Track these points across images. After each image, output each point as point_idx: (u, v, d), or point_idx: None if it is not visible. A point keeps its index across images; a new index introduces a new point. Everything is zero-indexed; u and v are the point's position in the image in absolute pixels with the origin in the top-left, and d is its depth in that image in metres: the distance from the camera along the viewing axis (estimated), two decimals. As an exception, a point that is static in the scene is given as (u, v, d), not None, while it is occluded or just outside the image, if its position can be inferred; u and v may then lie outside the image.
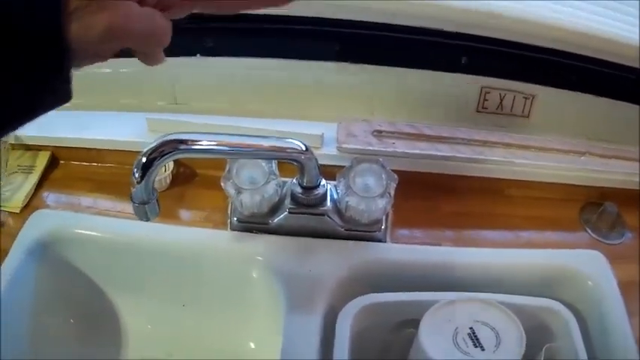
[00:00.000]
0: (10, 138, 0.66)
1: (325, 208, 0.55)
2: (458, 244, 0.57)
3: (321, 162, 0.52)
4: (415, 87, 0.64)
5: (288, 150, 0.49)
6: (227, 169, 0.54)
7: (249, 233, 0.57)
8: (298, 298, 0.51)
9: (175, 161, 0.64)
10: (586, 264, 0.54)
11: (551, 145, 0.63)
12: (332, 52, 0.64)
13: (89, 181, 0.65)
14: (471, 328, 0.47)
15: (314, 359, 0.48)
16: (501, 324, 0.47)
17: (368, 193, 0.53)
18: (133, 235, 0.58)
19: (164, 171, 0.63)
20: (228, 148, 0.48)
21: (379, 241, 0.56)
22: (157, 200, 0.48)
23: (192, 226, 0.59)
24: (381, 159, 0.55)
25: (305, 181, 0.53)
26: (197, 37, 0.65)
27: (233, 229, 0.57)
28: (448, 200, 0.62)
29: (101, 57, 0.33)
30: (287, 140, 0.49)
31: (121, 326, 0.63)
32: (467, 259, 0.55)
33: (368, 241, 0.56)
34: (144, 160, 0.45)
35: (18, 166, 0.66)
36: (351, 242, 0.55)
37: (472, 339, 0.46)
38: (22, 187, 0.63)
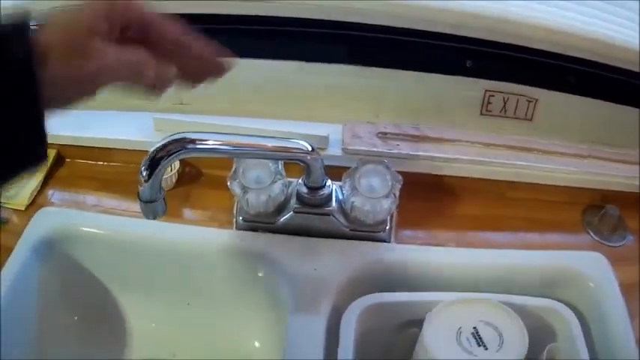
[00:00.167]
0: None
1: (330, 208, 0.55)
2: (461, 245, 0.58)
3: (326, 163, 0.53)
4: (420, 90, 0.65)
5: (295, 150, 0.49)
6: (233, 168, 0.55)
7: (254, 232, 0.57)
8: (303, 298, 0.52)
9: (181, 161, 0.65)
10: (588, 266, 0.54)
11: (553, 148, 0.63)
12: (338, 55, 0.64)
13: (94, 180, 0.66)
14: (474, 327, 0.47)
15: (319, 359, 0.48)
16: (504, 324, 0.47)
17: (373, 194, 0.53)
18: (139, 233, 0.58)
19: (170, 170, 0.63)
20: (235, 148, 0.48)
21: (384, 241, 0.56)
22: (163, 199, 0.49)
23: (197, 225, 0.60)
24: (385, 160, 0.55)
25: (311, 181, 0.54)
26: (204, 38, 0.66)
27: (238, 228, 0.58)
28: (452, 202, 0.62)
29: (89, 96, 0.35)
30: (293, 141, 0.49)
31: (125, 324, 0.63)
32: (470, 260, 0.56)
33: (372, 241, 0.56)
34: (151, 159, 0.45)
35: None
36: (355, 242, 0.56)
37: (476, 338, 0.47)
38: (27, 185, 0.63)
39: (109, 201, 0.63)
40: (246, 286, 0.59)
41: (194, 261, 0.59)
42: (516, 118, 0.65)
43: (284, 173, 0.55)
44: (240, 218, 0.57)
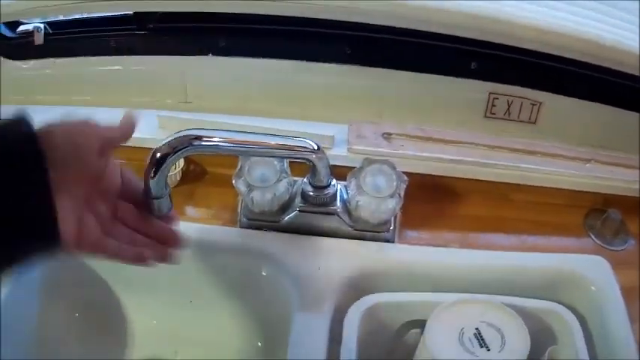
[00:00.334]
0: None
1: (335, 207, 0.56)
2: (464, 246, 0.58)
3: (331, 162, 0.53)
4: (424, 91, 0.65)
5: (300, 149, 0.50)
6: (239, 166, 0.55)
7: (258, 231, 0.57)
8: (307, 297, 0.52)
9: (185, 158, 0.65)
10: (589, 269, 0.55)
11: (557, 151, 0.64)
12: (343, 55, 0.65)
13: (98, 177, 0.66)
14: (476, 328, 0.47)
15: (321, 358, 0.48)
16: (506, 325, 0.48)
17: (378, 194, 0.53)
18: (142, 230, 0.58)
19: (174, 168, 0.64)
20: (241, 146, 0.48)
21: (387, 241, 0.57)
22: (169, 196, 0.49)
23: (201, 223, 0.60)
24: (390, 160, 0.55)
25: (316, 180, 0.54)
26: (210, 36, 0.66)
27: (243, 226, 0.58)
28: (455, 203, 0.62)
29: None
30: (299, 139, 0.50)
31: (127, 322, 0.63)
32: (473, 261, 0.56)
33: (376, 241, 0.56)
34: (157, 155, 0.45)
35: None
36: (359, 242, 0.56)
37: (478, 339, 0.47)
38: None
39: (113, 197, 0.63)
40: (250, 285, 0.59)
41: (197, 259, 0.59)
42: (520, 121, 0.65)
43: (289, 172, 0.56)
44: (245, 217, 0.57)
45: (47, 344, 0.58)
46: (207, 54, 0.67)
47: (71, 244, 0.38)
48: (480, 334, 0.47)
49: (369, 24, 0.60)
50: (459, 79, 0.64)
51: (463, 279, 0.55)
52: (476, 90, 0.64)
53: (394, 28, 0.61)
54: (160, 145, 0.45)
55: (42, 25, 0.69)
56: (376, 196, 0.53)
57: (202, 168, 0.66)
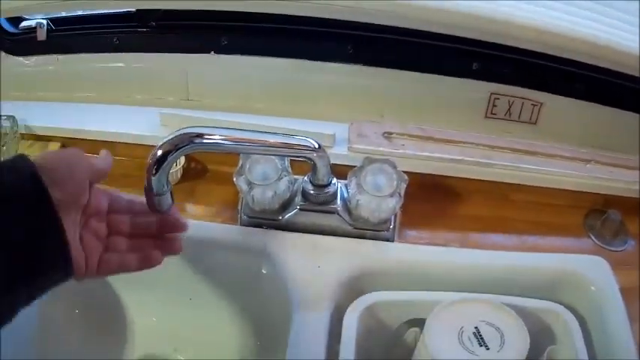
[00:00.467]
0: (21, 128, 0.67)
1: (335, 206, 0.56)
2: (464, 245, 0.58)
3: (332, 161, 0.53)
4: (425, 91, 0.65)
5: (301, 147, 0.50)
6: (240, 164, 0.55)
7: (259, 229, 0.57)
8: (306, 295, 0.52)
9: (186, 156, 0.65)
10: (589, 269, 0.55)
11: (557, 151, 0.64)
12: (345, 54, 0.65)
13: (100, 174, 0.66)
14: (476, 327, 0.48)
15: (321, 357, 0.48)
16: (506, 324, 0.48)
17: (379, 193, 0.54)
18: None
19: (175, 166, 0.64)
20: (242, 144, 0.48)
21: (387, 240, 0.57)
22: (170, 192, 0.49)
23: (201, 220, 0.60)
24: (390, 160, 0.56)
25: (316, 178, 0.54)
26: (212, 34, 0.66)
27: (243, 224, 0.58)
28: (455, 202, 0.62)
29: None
30: (300, 138, 0.50)
31: (127, 319, 0.63)
32: (472, 261, 0.56)
33: (376, 240, 0.56)
34: (159, 152, 0.45)
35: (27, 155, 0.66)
36: (359, 241, 0.56)
37: (477, 338, 0.47)
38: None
39: (114, 195, 0.64)
40: (249, 283, 0.59)
41: (197, 256, 0.59)
42: (521, 122, 0.65)
43: (290, 170, 0.56)
44: (245, 214, 0.57)
45: (47, 342, 0.58)
46: (209, 52, 0.67)
47: (81, 271, 0.40)
48: (479, 333, 0.47)
49: (371, 24, 0.60)
50: (461, 79, 0.64)
51: (463, 278, 0.55)
52: (477, 90, 0.64)
53: (396, 28, 0.61)
54: (162, 142, 0.45)
55: (44, 22, 0.69)
56: (376, 195, 0.53)
57: (203, 166, 0.66)
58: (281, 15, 0.59)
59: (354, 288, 0.54)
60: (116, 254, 0.43)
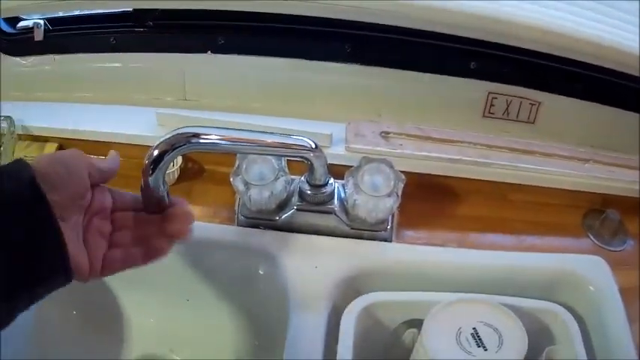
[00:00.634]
0: (18, 128, 0.66)
1: (333, 206, 0.56)
2: (462, 245, 0.58)
3: (329, 161, 0.53)
4: (423, 90, 0.65)
5: (298, 147, 0.50)
6: (236, 164, 0.55)
7: (256, 229, 0.57)
8: (303, 296, 0.52)
9: (183, 156, 0.65)
10: (588, 269, 0.55)
11: (555, 151, 0.64)
12: (342, 53, 0.64)
13: (97, 174, 0.65)
14: (474, 328, 0.47)
15: (319, 358, 0.48)
16: (504, 325, 0.47)
17: (376, 193, 0.53)
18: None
19: (172, 166, 0.64)
20: (239, 144, 0.48)
21: (385, 240, 0.57)
22: (167, 193, 0.49)
23: (198, 221, 0.59)
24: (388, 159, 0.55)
25: (313, 178, 0.54)
26: (209, 34, 0.66)
27: (240, 224, 0.58)
28: (453, 202, 0.62)
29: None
30: (297, 137, 0.50)
31: (124, 320, 0.63)
32: (470, 261, 0.56)
33: (374, 240, 0.56)
34: (156, 152, 0.45)
35: (25, 156, 0.66)
36: (357, 241, 0.56)
37: (475, 339, 0.47)
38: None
39: (111, 195, 0.63)
40: (247, 283, 0.59)
41: (194, 257, 0.59)
42: (519, 121, 0.65)
43: (287, 170, 0.56)
44: (242, 215, 0.57)
45: (45, 343, 0.58)
46: (206, 51, 0.67)
47: (85, 272, 0.40)
48: (477, 333, 0.47)
49: (369, 23, 0.60)
50: (458, 79, 0.64)
51: (461, 279, 0.55)
52: (475, 89, 0.64)
53: (394, 27, 0.61)
54: (159, 142, 0.45)
55: (42, 22, 0.69)
56: (374, 195, 0.53)
57: (200, 166, 0.66)
58: (278, 14, 0.59)
59: (351, 288, 0.53)
60: (120, 250, 0.43)
